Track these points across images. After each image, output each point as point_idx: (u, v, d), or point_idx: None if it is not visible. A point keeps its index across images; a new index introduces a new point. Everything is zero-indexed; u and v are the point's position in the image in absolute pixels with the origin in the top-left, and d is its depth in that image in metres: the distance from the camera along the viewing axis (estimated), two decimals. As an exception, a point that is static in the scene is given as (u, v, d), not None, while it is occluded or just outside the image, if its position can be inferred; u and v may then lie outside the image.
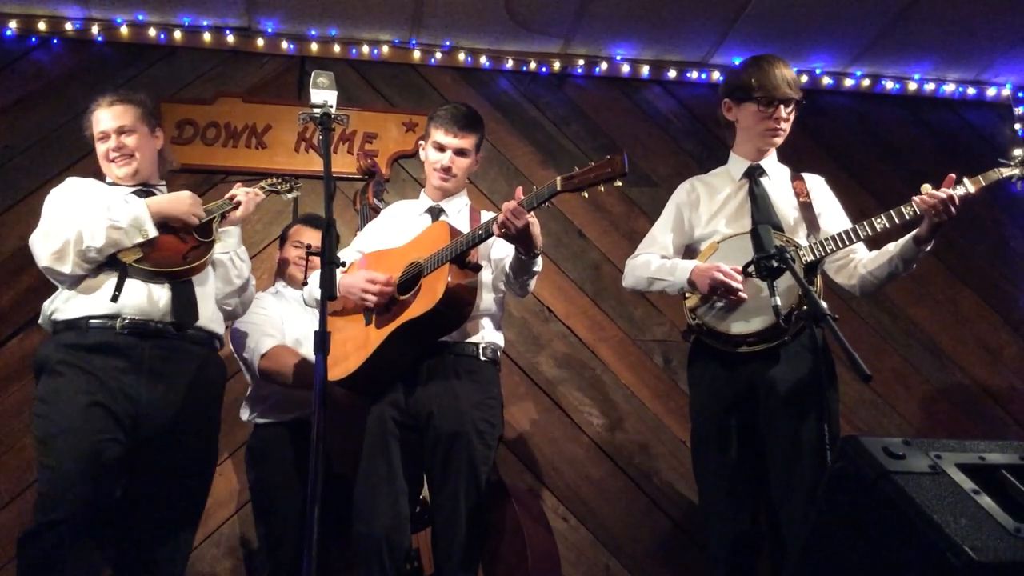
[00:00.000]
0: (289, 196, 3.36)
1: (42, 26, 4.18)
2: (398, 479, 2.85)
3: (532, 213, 2.67)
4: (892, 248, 2.94)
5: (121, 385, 2.73)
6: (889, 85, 4.81)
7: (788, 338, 2.81)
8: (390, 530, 2.79)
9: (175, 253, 2.89)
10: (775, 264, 2.55)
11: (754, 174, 3.09)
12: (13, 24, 4.16)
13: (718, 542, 2.88)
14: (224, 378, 3.12)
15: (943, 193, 2.73)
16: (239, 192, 3.09)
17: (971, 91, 4.86)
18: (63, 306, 2.83)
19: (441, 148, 3.08)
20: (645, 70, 4.64)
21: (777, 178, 3.12)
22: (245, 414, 3.54)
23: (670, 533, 4.11)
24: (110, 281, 2.80)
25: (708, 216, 3.09)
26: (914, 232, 2.85)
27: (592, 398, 4.24)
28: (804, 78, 4.71)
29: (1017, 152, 2.96)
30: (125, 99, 3.08)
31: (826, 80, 4.75)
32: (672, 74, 4.66)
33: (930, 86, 4.83)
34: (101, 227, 2.76)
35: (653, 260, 3.10)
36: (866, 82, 4.79)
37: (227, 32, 4.35)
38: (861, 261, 3.03)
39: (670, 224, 3.17)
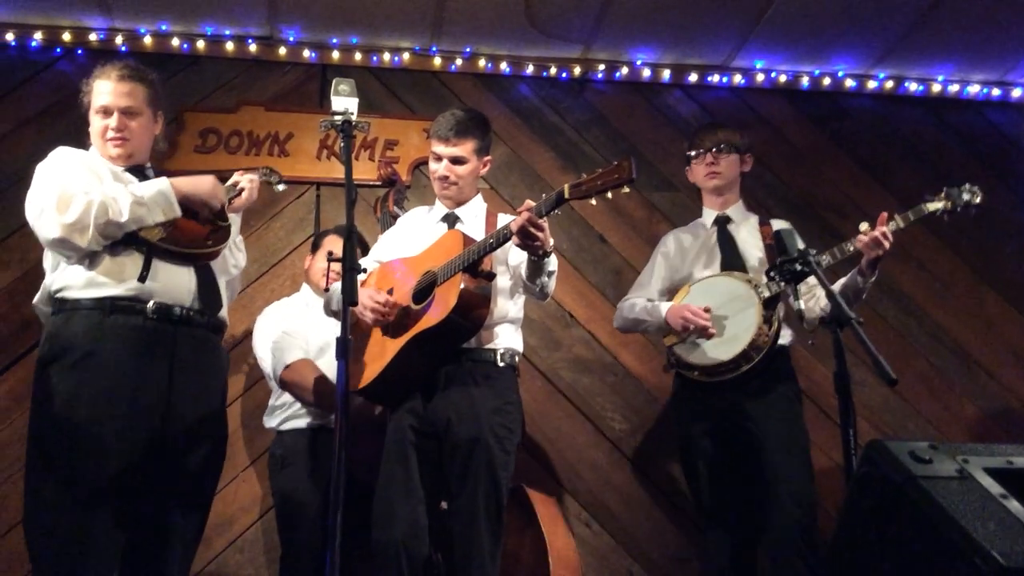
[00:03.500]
0: (280, 188, 3.27)
1: (67, 37, 4.22)
2: (416, 487, 2.85)
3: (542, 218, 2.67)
4: (843, 281, 3.29)
5: (153, 380, 2.61)
6: (912, 87, 4.77)
7: (758, 366, 3.13)
8: (408, 538, 2.78)
9: (197, 234, 2.76)
10: (798, 268, 2.57)
11: (722, 223, 3.54)
12: (38, 35, 4.20)
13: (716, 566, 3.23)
14: (227, 369, 3.04)
15: (876, 232, 3.09)
16: (243, 179, 2.99)
17: (995, 92, 4.81)
18: (76, 284, 2.64)
19: (438, 158, 3.08)
20: (666, 74, 4.63)
21: (745, 224, 3.55)
22: (268, 421, 3.56)
23: (693, 538, 4.08)
24: (132, 260, 2.65)
25: (685, 262, 3.54)
26: (857, 267, 3.22)
27: (614, 403, 4.22)
28: (827, 80, 4.70)
29: (962, 188, 3.27)
30: (136, 76, 2.87)
31: (849, 82, 4.72)
32: (693, 78, 4.65)
33: (954, 87, 4.78)
34: (126, 201, 2.61)
35: (638, 303, 3.52)
36: (889, 84, 4.75)
37: (249, 41, 4.37)
38: (821, 295, 3.31)
39: (653, 271, 3.63)
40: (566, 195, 2.62)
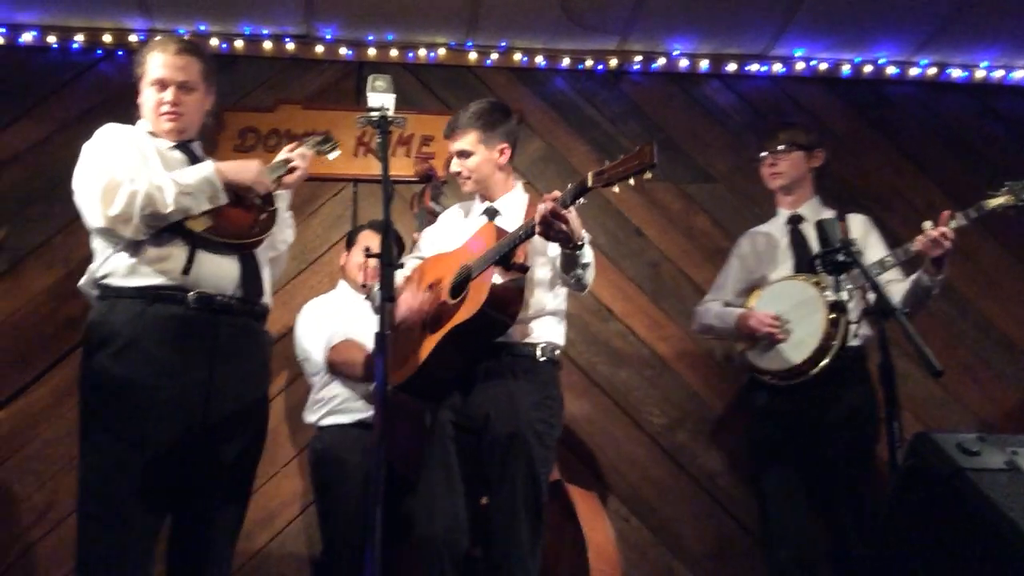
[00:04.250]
0: (332, 156, 3.13)
1: (107, 39, 4.27)
2: (456, 481, 2.86)
3: (568, 208, 2.63)
4: (914, 277, 3.29)
5: (195, 370, 2.59)
6: (956, 73, 4.68)
7: (828, 369, 3.16)
8: (448, 531, 2.79)
9: (243, 223, 2.71)
10: (841, 258, 2.54)
11: (795, 222, 3.59)
12: (79, 37, 4.25)
13: (783, 561, 3.28)
14: (270, 354, 2.99)
15: (935, 231, 3.08)
16: (294, 155, 2.90)
17: (1042, 77, 4.71)
18: (120, 271, 2.62)
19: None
20: (704, 64, 4.58)
21: None
22: (308, 416, 3.58)
23: (734, 534, 4.06)
24: (177, 249, 2.62)
25: (760, 263, 3.60)
26: (924, 266, 3.21)
27: (652, 397, 4.20)
28: (868, 68, 4.62)
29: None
30: (192, 50, 2.85)
31: (890, 70, 4.64)
32: (731, 67, 4.59)
33: (998, 73, 4.68)
34: (171, 191, 2.56)
35: (713, 308, 3.63)
36: (932, 71, 4.66)
37: (287, 40, 4.39)
38: (894, 292, 3.28)
39: (731, 274, 3.70)
40: (589, 183, 2.59)
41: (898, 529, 1.70)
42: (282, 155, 2.91)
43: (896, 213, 4.35)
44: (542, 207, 2.62)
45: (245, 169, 2.74)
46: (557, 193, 2.66)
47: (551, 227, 2.62)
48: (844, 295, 2.84)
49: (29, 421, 3.88)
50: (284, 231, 2.98)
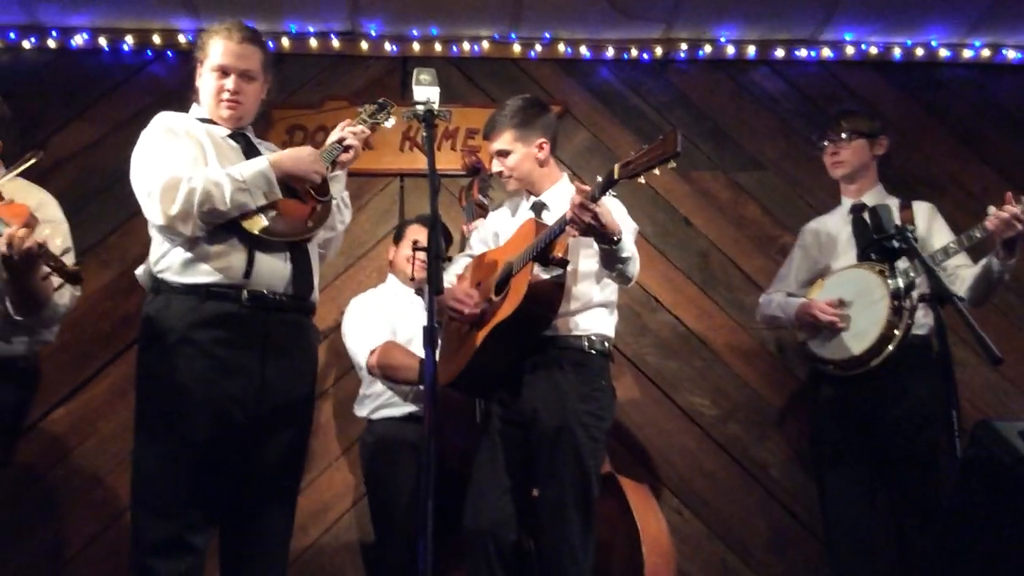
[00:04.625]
0: (388, 124, 3.05)
1: (157, 40, 4.33)
2: (502, 476, 2.87)
3: (599, 203, 2.61)
4: (984, 261, 3.22)
5: (248, 366, 2.62)
6: (1011, 54, 4.56)
7: (891, 359, 3.12)
8: (495, 525, 2.81)
9: (298, 218, 2.70)
10: (896, 245, 2.50)
11: (857, 210, 3.53)
12: (129, 39, 4.32)
13: (844, 556, 3.29)
14: (318, 349, 2.99)
15: (1005, 213, 3.00)
16: (346, 133, 2.85)
17: (1101, 55, 4.58)
18: (178, 267, 2.65)
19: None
20: (751, 50, 4.52)
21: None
22: (359, 410, 3.61)
23: (787, 525, 4.01)
24: (234, 250, 2.63)
25: (823, 254, 3.58)
26: (993, 251, 3.15)
27: (703, 388, 4.17)
28: (920, 51, 4.52)
29: None
30: (255, 39, 2.86)
31: (943, 52, 4.54)
32: (780, 53, 4.52)
33: (1056, 53, 4.57)
34: (228, 187, 2.57)
35: (775, 299, 3.63)
36: (986, 52, 4.55)
37: (332, 37, 4.43)
38: (963, 278, 3.31)
39: (794, 264, 3.70)
40: (616, 175, 2.56)
41: (961, 520, 1.66)
42: (335, 134, 2.88)
43: (951, 198, 4.25)
44: (572, 200, 2.61)
45: (299, 159, 2.73)
46: (586, 188, 2.64)
47: (581, 221, 2.61)
48: (901, 282, 2.78)
49: (88, 418, 3.96)
50: (343, 211, 2.95)
